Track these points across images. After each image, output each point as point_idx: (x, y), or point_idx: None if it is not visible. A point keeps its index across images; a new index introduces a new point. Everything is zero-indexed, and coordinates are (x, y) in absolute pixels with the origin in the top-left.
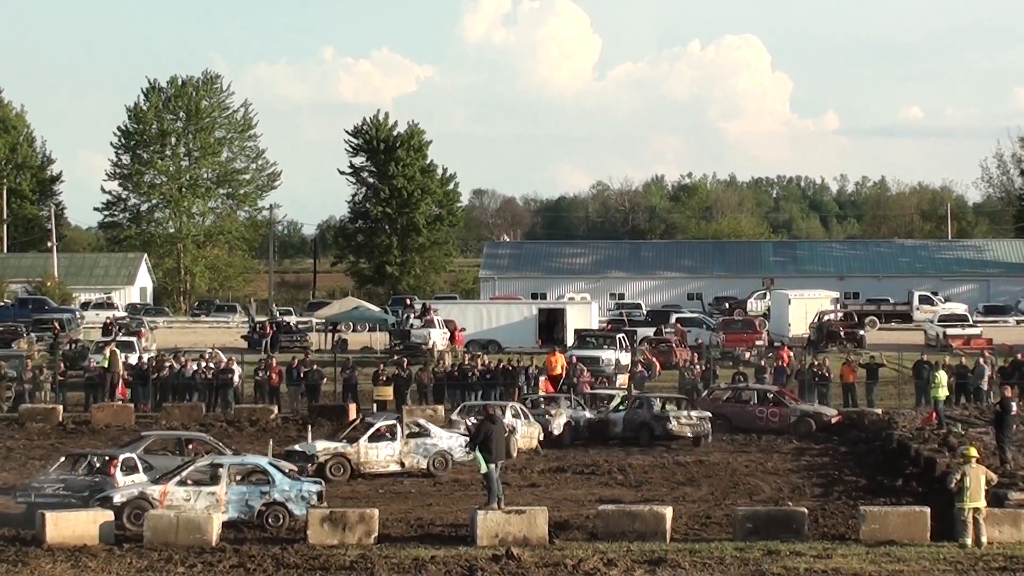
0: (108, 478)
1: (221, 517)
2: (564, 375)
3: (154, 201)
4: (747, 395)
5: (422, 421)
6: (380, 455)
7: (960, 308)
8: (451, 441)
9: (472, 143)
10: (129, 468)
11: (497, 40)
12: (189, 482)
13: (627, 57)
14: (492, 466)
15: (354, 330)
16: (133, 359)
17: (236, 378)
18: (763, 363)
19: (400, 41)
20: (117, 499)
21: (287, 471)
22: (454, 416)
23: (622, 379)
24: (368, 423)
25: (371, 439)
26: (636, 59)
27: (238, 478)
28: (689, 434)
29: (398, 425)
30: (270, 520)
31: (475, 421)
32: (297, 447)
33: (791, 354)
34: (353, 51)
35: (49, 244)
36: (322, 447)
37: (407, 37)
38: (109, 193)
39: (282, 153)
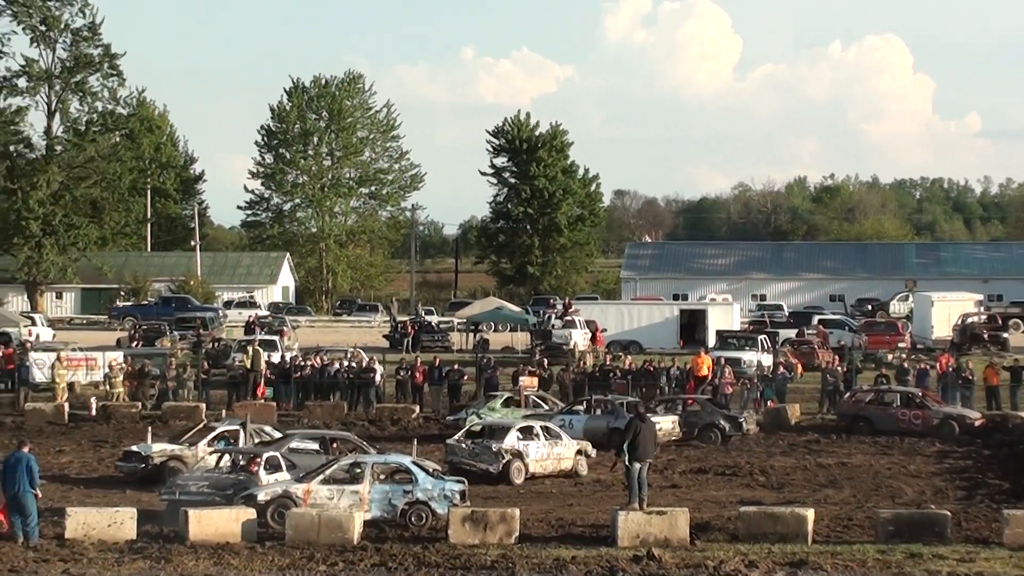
0: (252, 476)
1: (364, 516)
2: (710, 376)
3: (297, 200)
4: (890, 397)
5: (267, 428)
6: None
7: None
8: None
9: (613, 144)
10: (273, 466)
11: (637, 40)
12: (332, 481)
13: (767, 58)
14: (637, 465)
15: (495, 330)
16: (275, 358)
17: (378, 377)
18: (906, 365)
19: (540, 41)
20: (261, 497)
21: (431, 470)
22: (457, 437)
23: (526, 381)
24: (211, 427)
25: (211, 444)
26: (776, 60)
27: (381, 477)
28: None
29: (241, 431)
30: (413, 519)
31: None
32: (134, 447)
33: (951, 361)
34: (493, 52)
35: (192, 243)
36: (159, 449)
37: (547, 38)
38: (252, 192)
39: (423, 153)
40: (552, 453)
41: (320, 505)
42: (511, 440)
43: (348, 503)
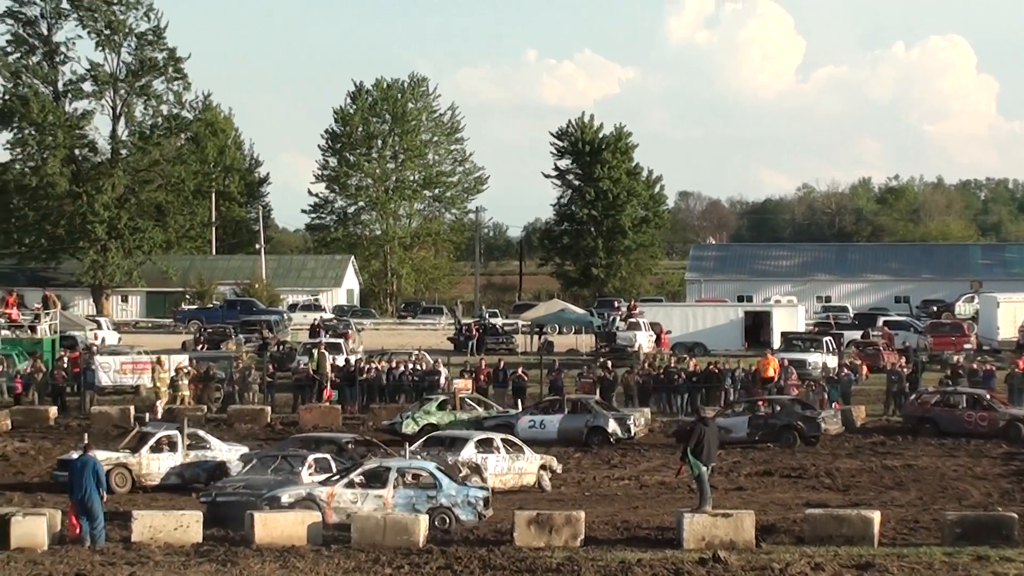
0: (294, 478)
1: None
2: (775, 378)
3: (361, 203)
4: (956, 399)
5: (201, 432)
6: (162, 466)
7: None
8: (230, 454)
9: (677, 145)
10: (323, 469)
11: (700, 42)
12: (356, 484)
13: (830, 59)
14: (704, 469)
15: (560, 332)
16: (340, 361)
17: (442, 380)
18: (973, 367)
19: (603, 43)
20: (285, 500)
21: (456, 477)
22: (414, 447)
23: (460, 383)
24: (147, 433)
25: (153, 450)
26: (839, 61)
27: (405, 481)
28: (838, 430)
29: (179, 436)
30: (435, 524)
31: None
32: (75, 455)
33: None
34: (556, 54)
35: (257, 246)
36: (104, 457)
37: (610, 39)
38: (316, 195)
39: (486, 155)
40: (513, 467)
41: (343, 508)
42: (468, 453)
43: (372, 507)
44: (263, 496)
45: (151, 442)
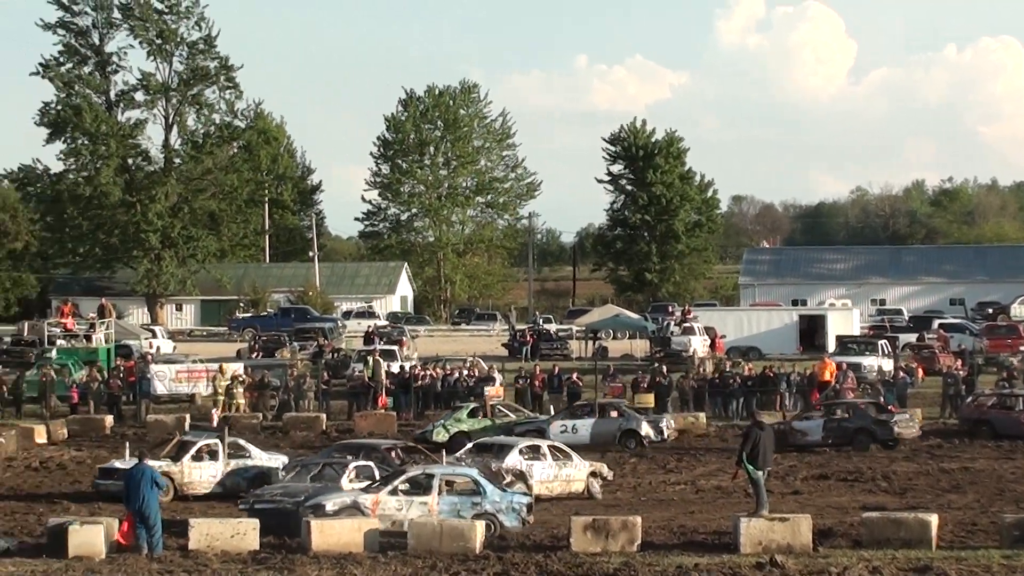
0: (334, 486)
1: None
2: (832, 382)
3: (413, 210)
4: (1012, 401)
5: (241, 441)
6: (204, 475)
7: None
8: (271, 462)
9: (729, 149)
10: (366, 476)
11: (751, 45)
12: (401, 491)
13: (882, 62)
14: (760, 473)
15: (614, 337)
16: (395, 368)
17: (497, 385)
18: None
19: (653, 48)
20: (329, 507)
21: (500, 483)
22: (460, 454)
23: (491, 390)
24: (187, 442)
25: (194, 459)
26: (891, 64)
27: (450, 488)
28: (915, 434)
29: (220, 445)
30: None
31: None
32: (117, 463)
33: None
34: (607, 59)
35: (310, 254)
36: None
37: (660, 44)
38: (369, 203)
39: (538, 161)
40: (560, 474)
41: (388, 516)
42: (513, 459)
43: (416, 514)
44: (306, 504)
45: (192, 451)
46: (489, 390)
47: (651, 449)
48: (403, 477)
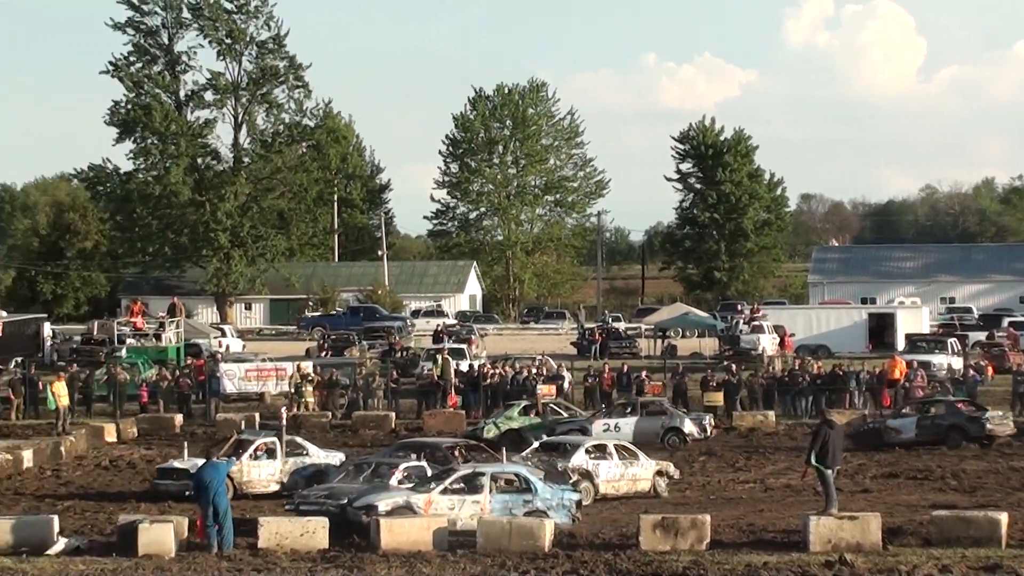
0: (382, 485)
1: None
2: (902, 380)
3: (482, 209)
4: None
5: (299, 439)
6: (262, 474)
7: None
8: (329, 459)
9: (798, 147)
10: (417, 476)
11: (820, 43)
12: (452, 491)
13: (952, 59)
14: (829, 471)
15: (683, 336)
16: (464, 366)
17: (566, 384)
18: None
19: (722, 46)
20: (382, 508)
21: (567, 482)
22: (526, 453)
23: (543, 389)
24: (247, 441)
25: (252, 457)
26: (961, 61)
27: (500, 486)
28: (1010, 432)
29: (278, 443)
30: None
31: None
32: (176, 463)
33: None
34: (675, 57)
35: (379, 253)
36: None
37: (729, 42)
38: (438, 201)
39: (607, 159)
40: (626, 474)
41: (441, 515)
42: (579, 459)
43: (469, 513)
44: (355, 505)
45: (250, 450)
46: (541, 388)
47: (720, 447)
48: (454, 476)
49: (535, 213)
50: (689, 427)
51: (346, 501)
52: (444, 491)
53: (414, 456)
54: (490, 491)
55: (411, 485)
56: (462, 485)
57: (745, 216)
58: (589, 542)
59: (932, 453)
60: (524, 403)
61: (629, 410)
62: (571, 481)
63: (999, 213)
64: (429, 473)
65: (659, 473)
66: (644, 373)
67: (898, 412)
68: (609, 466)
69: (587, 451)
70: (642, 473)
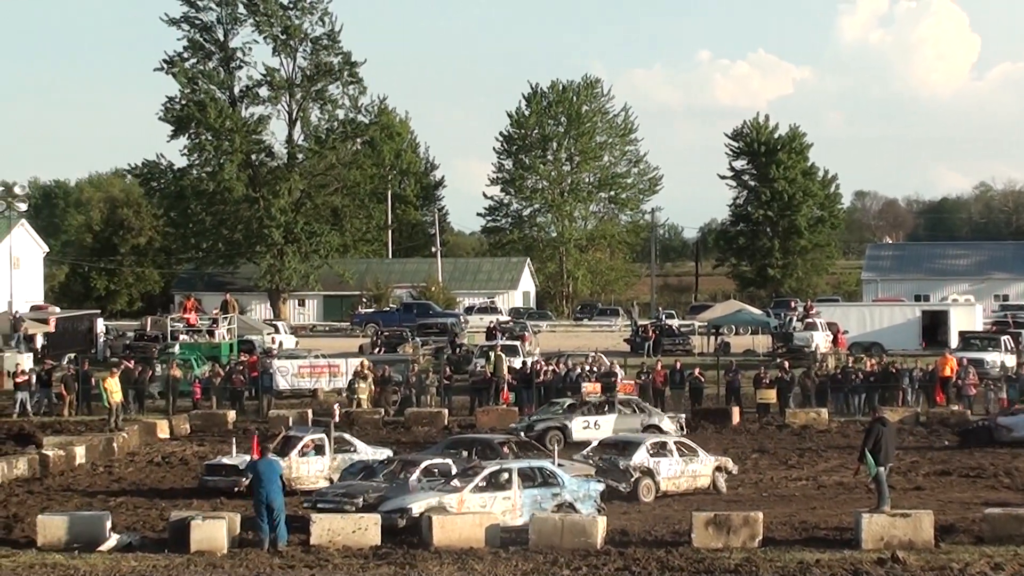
0: (401, 485)
1: (517, 521)
2: (953, 377)
3: (536, 206)
4: None
5: (347, 436)
6: (311, 470)
7: None
8: (377, 456)
9: (851, 145)
10: (442, 474)
11: (873, 41)
12: (483, 489)
13: (1006, 56)
14: (881, 469)
15: (736, 333)
16: (517, 363)
17: (619, 381)
18: None
19: (776, 43)
20: (416, 509)
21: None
22: (586, 451)
23: (588, 387)
24: (295, 437)
25: (301, 454)
26: (1015, 59)
27: (528, 481)
28: None
29: (326, 440)
30: None
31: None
32: (224, 460)
33: None
34: (729, 54)
35: (433, 249)
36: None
37: (783, 39)
38: (491, 198)
39: (660, 156)
40: (686, 470)
41: (475, 513)
42: (641, 457)
43: (501, 509)
44: (384, 508)
45: (299, 446)
46: (586, 386)
47: (773, 445)
48: (483, 474)
49: (588, 210)
50: (668, 425)
51: (361, 501)
52: (475, 489)
53: (465, 453)
54: (519, 487)
55: (438, 483)
56: (491, 482)
57: (799, 213)
58: (641, 539)
59: (984, 451)
60: (569, 401)
61: (607, 408)
62: (633, 479)
63: None
64: (454, 471)
65: (718, 469)
66: (697, 370)
67: (1009, 410)
68: (670, 463)
69: (648, 449)
70: (702, 469)
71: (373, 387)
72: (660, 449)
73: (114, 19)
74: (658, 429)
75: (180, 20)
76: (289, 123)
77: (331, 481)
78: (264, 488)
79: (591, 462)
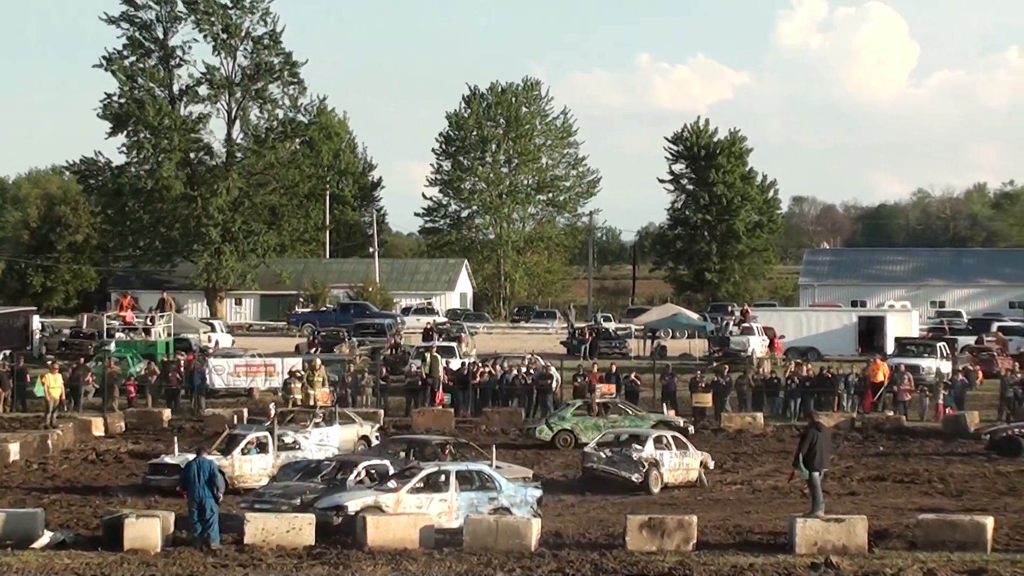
0: (339, 485)
1: (452, 523)
2: (886, 383)
3: (474, 207)
4: None
5: (291, 433)
6: (254, 468)
7: None
8: (321, 455)
9: (790, 150)
10: (380, 476)
11: (813, 46)
12: (420, 490)
13: (944, 64)
14: (816, 474)
15: (673, 337)
16: (454, 364)
17: (555, 384)
18: None
19: (716, 48)
20: (352, 508)
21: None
22: (593, 444)
23: (604, 388)
24: (238, 435)
25: (244, 452)
26: (953, 66)
27: (466, 484)
28: None
29: (269, 438)
30: None
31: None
32: (167, 458)
33: None
34: (669, 58)
35: (371, 249)
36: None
37: (723, 44)
38: (430, 199)
39: (599, 159)
40: (682, 463)
41: (411, 514)
42: (651, 448)
43: (437, 511)
44: (320, 505)
45: (242, 444)
46: (601, 387)
47: (708, 449)
48: (420, 475)
49: (527, 212)
50: (675, 421)
51: (299, 501)
52: (412, 490)
53: (402, 453)
54: (457, 489)
55: (371, 484)
56: (429, 484)
57: (737, 218)
58: (576, 541)
59: (918, 456)
60: (578, 403)
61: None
62: (645, 470)
63: (990, 218)
64: (391, 471)
65: (701, 464)
66: (633, 374)
67: None
68: (670, 456)
69: (654, 442)
70: (692, 463)
71: (322, 389)
72: (660, 443)
73: (53, 16)
74: (667, 425)
75: (119, 18)
76: (228, 122)
77: (273, 479)
78: (197, 488)
79: (602, 454)
